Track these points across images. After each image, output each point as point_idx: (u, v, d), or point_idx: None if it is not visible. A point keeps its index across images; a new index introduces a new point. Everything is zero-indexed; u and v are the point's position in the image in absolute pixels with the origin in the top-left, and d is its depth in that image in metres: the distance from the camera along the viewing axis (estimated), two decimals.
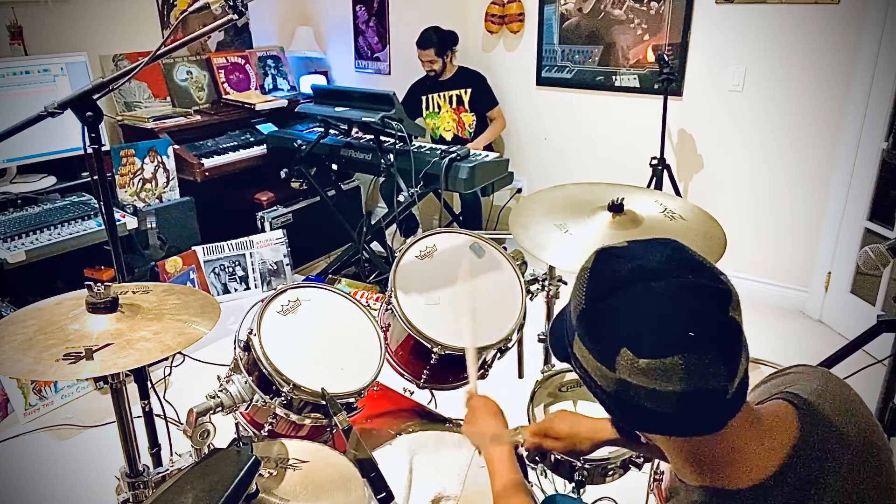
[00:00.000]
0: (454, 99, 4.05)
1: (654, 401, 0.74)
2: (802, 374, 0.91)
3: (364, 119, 3.23)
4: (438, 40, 3.89)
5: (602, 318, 0.77)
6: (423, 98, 4.11)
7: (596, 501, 1.79)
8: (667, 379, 0.72)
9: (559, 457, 1.50)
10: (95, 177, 1.55)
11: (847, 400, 0.86)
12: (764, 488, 0.78)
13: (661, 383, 0.72)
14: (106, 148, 2.25)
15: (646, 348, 0.72)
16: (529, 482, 1.47)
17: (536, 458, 1.49)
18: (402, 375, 1.79)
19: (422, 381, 1.74)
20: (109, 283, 1.34)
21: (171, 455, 1.52)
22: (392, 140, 3.42)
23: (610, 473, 1.52)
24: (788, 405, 0.84)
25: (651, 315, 0.74)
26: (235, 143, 3.85)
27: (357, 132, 3.66)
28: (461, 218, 4.13)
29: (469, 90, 4.02)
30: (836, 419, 0.82)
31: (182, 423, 1.61)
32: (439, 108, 4.09)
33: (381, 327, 1.70)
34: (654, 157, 3.50)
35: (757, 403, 0.88)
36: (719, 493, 0.80)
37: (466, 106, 4.04)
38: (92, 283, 1.30)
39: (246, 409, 1.52)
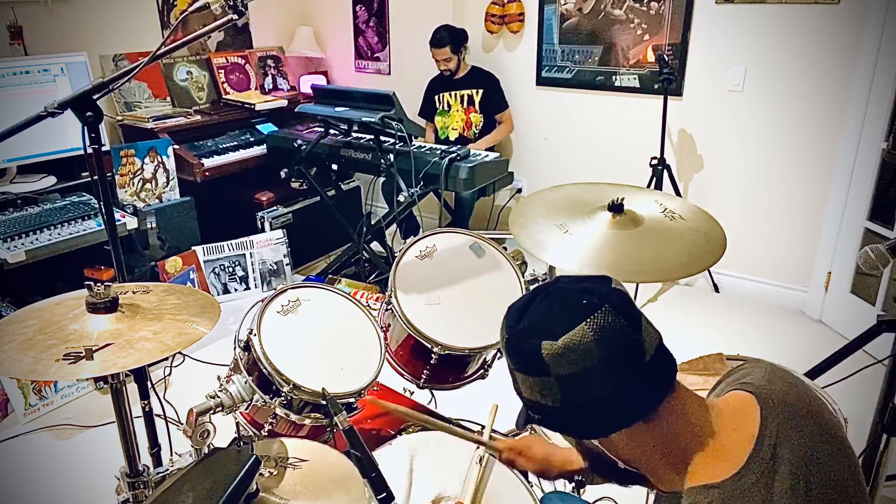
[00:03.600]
0: (465, 98, 4.03)
1: (591, 385, 0.84)
2: (751, 367, 1.00)
3: (364, 119, 3.23)
4: (452, 38, 3.88)
5: (521, 335, 0.89)
6: (436, 97, 4.10)
7: (596, 501, 1.79)
8: (586, 352, 0.82)
9: None
10: (95, 177, 1.54)
11: (790, 379, 0.96)
12: (743, 473, 0.84)
13: (585, 359, 0.82)
14: (106, 148, 2.25)
15: (557, 330, 0.84)
16: (529, 482, 1.47)
17: None
18: (402, 375, 1.79)
19: (422, 381, 1.75)
20: (109, 283, 1.34)
21: (171, 455, 1.52)
22: (392, 140, 3.42)
23: None
24: (747, 393, 0.93)
25: (551, 308, 0.88)
26: (235, 143, 3.85)
27: (357, 132, 3.66)
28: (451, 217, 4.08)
29: (481, 91, 4.00)
30: (786, 396, 0.92)
31: (182, 423, 1.61)
32: (450, 106, 4.08)
33: (381, 327, 1.70)
34: (654, 157, 3.50)
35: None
36: (705, 488, 0.84)
37: (477, 106, 4.03)
38: (92, 283, 1.30)
39: (246, 409, 1.52)
